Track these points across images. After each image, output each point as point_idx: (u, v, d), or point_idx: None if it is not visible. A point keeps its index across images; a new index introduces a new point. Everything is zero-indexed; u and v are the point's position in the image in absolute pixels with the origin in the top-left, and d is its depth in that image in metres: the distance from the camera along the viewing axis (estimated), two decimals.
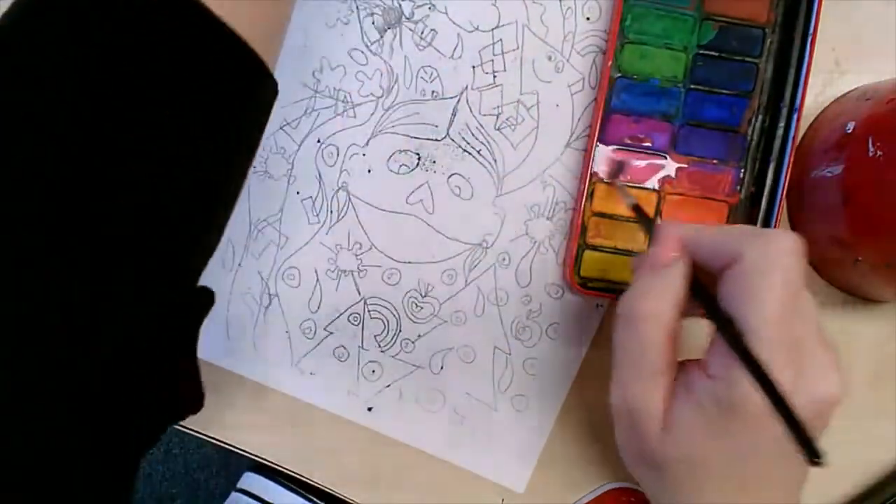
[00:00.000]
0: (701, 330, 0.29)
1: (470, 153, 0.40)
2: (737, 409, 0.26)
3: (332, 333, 0.40)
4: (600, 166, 0.38)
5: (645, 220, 0.32)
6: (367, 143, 0.39)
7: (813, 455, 0.23)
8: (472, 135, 0.40)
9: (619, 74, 0.38)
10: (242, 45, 0.26)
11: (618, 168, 0.38)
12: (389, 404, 0.41)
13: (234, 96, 0.27)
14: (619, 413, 0.30)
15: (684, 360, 0.30)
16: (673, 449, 0.28)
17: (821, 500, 0.42)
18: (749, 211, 0.39)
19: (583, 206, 0.38)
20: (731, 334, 0.25)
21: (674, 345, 0.28)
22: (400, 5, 0.39)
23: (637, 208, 0.32)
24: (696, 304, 0.29)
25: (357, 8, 0.39)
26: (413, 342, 0.41)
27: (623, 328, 0.28)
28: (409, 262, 0.40)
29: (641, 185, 0.39)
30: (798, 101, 0.37)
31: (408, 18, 0.39)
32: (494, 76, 0.39)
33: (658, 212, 0.39)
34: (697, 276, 0.28)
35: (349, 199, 0.40)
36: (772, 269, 0.25)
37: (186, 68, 0.24)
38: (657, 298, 0.27)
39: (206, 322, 0.40)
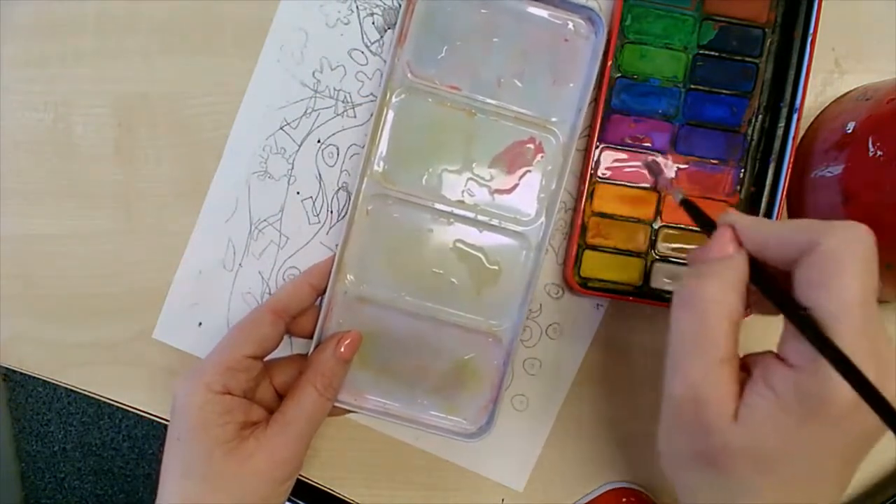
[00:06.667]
0: (761, 327, 0.29)
1: None
2: (825, 401, 0.24)
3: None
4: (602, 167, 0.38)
5: (699, 215, 0.30)
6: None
7: None
8: None
9: (619, 74, 0.38)
10: None
11: (656, 167, 0.38)
12: None
13: None
14: (679, 404, 0.27)
15: (754, 353, 0.28)
16: (744, 441, 0.25)
17: None
18: (749, 211, 0.39)
19: (583, 206, 0.38)
20: (810, 323, 0.24)
21: (736, 336, 0.26)
22: (400, 5, 0.39)
23: (687, 203, 0.31)
24: (755, 299, 0.28)
25: (357, 8, 0.39)
26: None
27: (684, 313, 0.27)
28: None
29: (642, 185, 0.39)
30: (798, 101, 0.37)
31: None
32: None
33: (658, 212, 0.39)
34: (763, 267, 0.27)
35: (349, 199, 0.40)
36: (853, 254, 0.24)
37: None
38: (722, 283, 0.26)
39: (207, 322, 0.40)
